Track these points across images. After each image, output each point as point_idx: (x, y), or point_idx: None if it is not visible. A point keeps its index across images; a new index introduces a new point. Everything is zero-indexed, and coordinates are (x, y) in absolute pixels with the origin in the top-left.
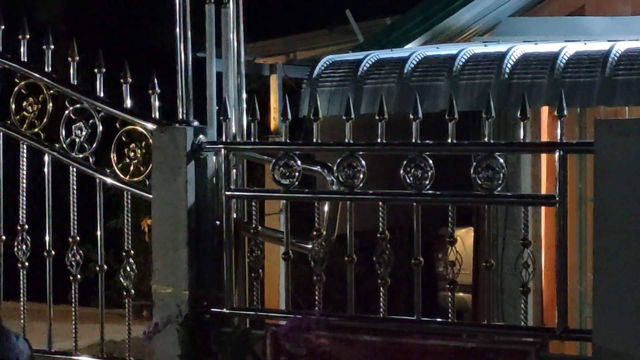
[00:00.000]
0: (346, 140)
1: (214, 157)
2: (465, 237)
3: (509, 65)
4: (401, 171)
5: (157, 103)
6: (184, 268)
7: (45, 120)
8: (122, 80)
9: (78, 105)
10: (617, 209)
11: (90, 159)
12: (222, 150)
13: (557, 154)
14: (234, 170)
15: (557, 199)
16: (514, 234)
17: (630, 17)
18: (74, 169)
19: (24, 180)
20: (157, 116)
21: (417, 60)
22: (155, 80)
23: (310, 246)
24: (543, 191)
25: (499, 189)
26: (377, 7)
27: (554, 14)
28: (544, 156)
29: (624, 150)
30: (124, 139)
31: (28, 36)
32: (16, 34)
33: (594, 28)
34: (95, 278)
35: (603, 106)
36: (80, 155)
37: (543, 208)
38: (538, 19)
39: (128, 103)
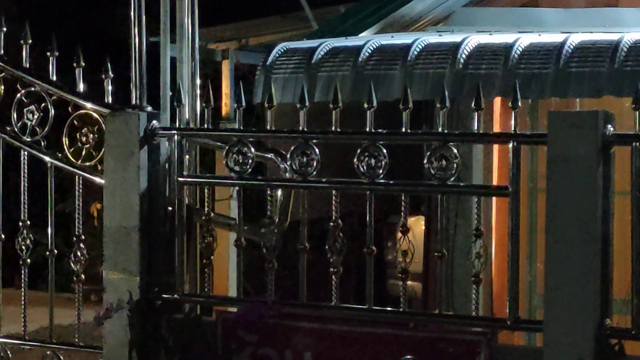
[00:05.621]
0: (300, 128)
1: (167, 143)
2: (415, 225)
3: (463, 56)
4: (355, 160)
5: (110, 87)
6: (135, 254)
7: None
8: (75, 64)
9: (30, 89)
10: (570, 201)
11: (42, 143)
12: (175, 136)
13: (511, 145)
14: (187, 156)
15: (510, 189)
16: (465, 223)
17: (583, 9)
18: (25, 153)
19: None
20: (110, 101)
21: (372, 49)
22: (109, 65)
23: (262, 232)
24: (494, 182)
25: (452, 179)
26: None
27: (508, 4)
28: (496, 147)
29: (577, 142)
30: (76, 123)
31: None
32: None
33: (547, 20)
34: (43, 262)
35: (555, 98)
36: (32, 139)
37: (494, 198)
38: (492, 10)
39: (81, 87)
